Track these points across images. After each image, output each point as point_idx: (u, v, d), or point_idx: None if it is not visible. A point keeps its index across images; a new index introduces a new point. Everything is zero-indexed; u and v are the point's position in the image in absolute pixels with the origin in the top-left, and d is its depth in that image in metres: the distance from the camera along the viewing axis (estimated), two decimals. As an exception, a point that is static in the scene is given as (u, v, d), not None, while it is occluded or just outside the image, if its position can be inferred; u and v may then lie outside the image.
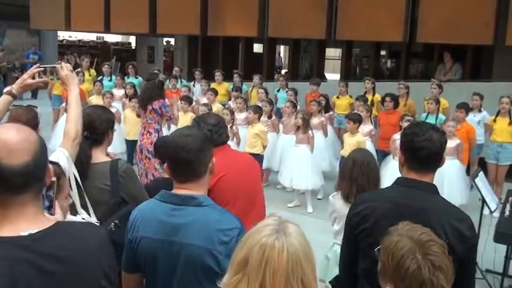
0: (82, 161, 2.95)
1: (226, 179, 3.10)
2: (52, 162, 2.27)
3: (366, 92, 10.07)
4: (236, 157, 3.49)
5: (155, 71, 12.03)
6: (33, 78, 2.90)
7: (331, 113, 9.84)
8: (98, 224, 1.91)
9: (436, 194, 2.44)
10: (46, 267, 1.54)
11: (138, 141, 7.53)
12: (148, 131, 7.36)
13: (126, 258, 2.37)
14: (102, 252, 1.68)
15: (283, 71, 21.97)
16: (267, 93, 10.03)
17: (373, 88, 10.15)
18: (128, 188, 3.13)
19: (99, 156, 3.19)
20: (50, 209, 2.13)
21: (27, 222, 1.59)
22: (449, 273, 1.77)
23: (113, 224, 2.93)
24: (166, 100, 7.94)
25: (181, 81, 11.81)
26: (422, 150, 2.42)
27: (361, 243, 2.47)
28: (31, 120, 3.75)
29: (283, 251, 1.58)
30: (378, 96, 9.98)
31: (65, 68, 2.89)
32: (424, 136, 2.44)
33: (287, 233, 1.62)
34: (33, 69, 2.90)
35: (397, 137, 7.76)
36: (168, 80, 11.73)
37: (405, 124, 7.30)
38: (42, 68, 2.92)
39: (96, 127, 3.21)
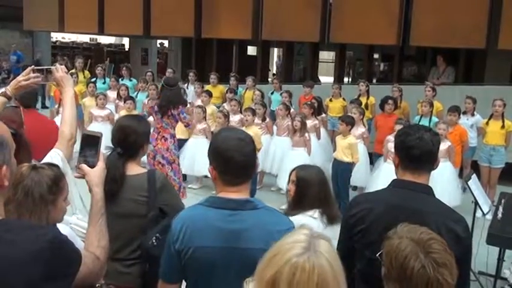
0: (116, 180, 2.87)
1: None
2: (52, 165, 2.30)
3: (360, 95, 10.10)
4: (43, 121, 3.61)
5: (148, 73, 12.07)
6: (27, 79, 2.91)
7: (323, 115, 9.86)
8: (52, 228, 1.89)
9: (431, 196, 2.46)
10: None
11: (151, 146, 7.10)
12: (163, 136, 7.14)
13: (169, 268, 2.30)
14: (33, 261, 1.63)
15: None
16: (262, 96, 10.06)
17: (367, 91, 10.18)
18: (167, 199, 3.03)
19: (134, 168, 3.06)
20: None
21: None
22: (453, 268, 1.80)
23: (154, 238, 2.84)
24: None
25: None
26: (414, 149, 2.45)
27: (357, 244, 2.49)
28: (18, 121, 3.76)
29: (313, 274, 1.51)
30: (372, 99, 10.02)
31: (59, 70, 2.91)
32: (416, 135, 2.48)
33: (318, 251, 1.56)
34: (28, 71, 2.91)
35: (391, 138, 7.79)
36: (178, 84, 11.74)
37: (398, 127, 7.34)
38: (38, 70, 2.92)
39: (131, 142, 3.04)
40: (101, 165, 2.33)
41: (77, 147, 2.53)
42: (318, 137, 9.04)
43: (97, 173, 2.30)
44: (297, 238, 1.59)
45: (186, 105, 7.40)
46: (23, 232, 1.72)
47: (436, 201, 2.48)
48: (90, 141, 2.33)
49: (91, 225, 2.24)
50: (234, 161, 2.21)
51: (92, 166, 2.30)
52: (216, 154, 2.27)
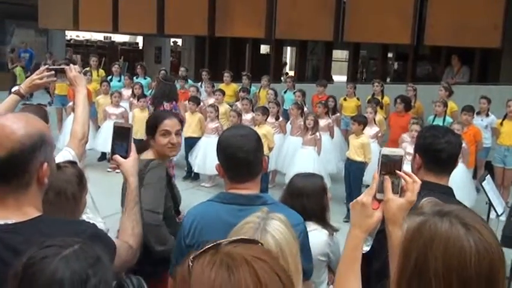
0: None
1: None
2: (71, 162, 2.34)
3: (374, 94, 10.04)
4: None
5: (162, 71, 12.10)
6: (41, 79, 2.93)
7: (337, 114, 9.83)
8: (89, 224, 1.94)
9: (451, 197, 2.46)
10: (6, 260, 1.56)
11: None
12: None
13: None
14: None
15: (290, 72, 21.96)
16: (276, 94, 10.05)
17: (382, 91, 10.12)
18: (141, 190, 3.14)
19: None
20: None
21: (8, 212, 1.66)
22: None
23: None
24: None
25: (186, 82, 11.83)
26: (443, 153, 2.49)
27: (376, 244, 2.49)
28: (42, 119, 3.77)
29: None
30: (387, 99, 9.96)
31: (73, 69, 2.92)
32: (444, 138, 2.52)
33: (265, 230, 1.65)
34: (42, 70, 2.93)
35: (406, 137, 7.74)
36: (175, 81, 11.77)
37: (414, 127, 7.30)
38: (51, 70, 2.94)
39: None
40: (133, 155, 2.37)
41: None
42: (332, 136, 9.01)
43: (131, 163, 2.34)
44: (249, 220, 1.70)
45: (177, 101, 7.57)
46: (64, 228, 1.76)
47: (456, 202, 2.46)
48: (121, 133, 2.37)
49: (126, 213, 2.27)
50: (235, 157, 2.24)
51: (125, 157, 2.33)
52: (220, 151, 2.31)
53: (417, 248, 1.35)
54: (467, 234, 1.32)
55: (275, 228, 1.68)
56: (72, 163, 2.39)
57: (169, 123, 3.24)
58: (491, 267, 1.32)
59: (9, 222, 1.64)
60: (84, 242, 1.44)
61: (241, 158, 2.24)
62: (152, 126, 3.27)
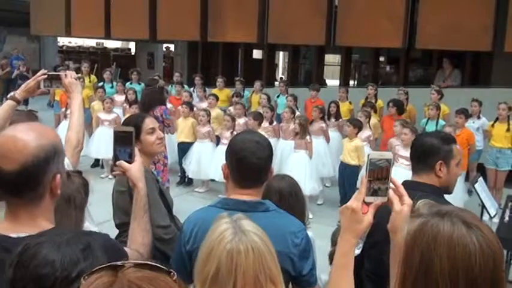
0: None
1: None
2: (77, 171, 2.35)
3: (367, 98, 10.08)
4: None
5: (155, 77, 12.08)
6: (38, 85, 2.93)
7: (341, 120, 9.70)
8: (100, 234, 1.94)
9: (440, 197, 2.48)
10: None
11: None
12: None
13: (179, 271, 2.31)
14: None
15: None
16: (268, 99, 10.06)
17: (375, 94, 10.16)
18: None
19: None
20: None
21: (20, 225, 1.65)
22: None
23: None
24: (169, 105, 7.89)
25: (183, 87, 11.83)
26: (413, 147, 2.65)
27: (364, 244, 2.50)
28: None
29: (248, 252, 1.61)
30: (380, 102, 10.00)
31: (68, 76, 2.91)
32: (425, 137, 2.63)
33: (245, 231, 1.65)
34: (39, 76, 2.92)
35: (395, 141, 7.78)
36: (170, 86, 11.75)
37: (398, 128, 7.37)
38: (47, 76, 2.94)
39: None
40: (138, 159, 2.28)
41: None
42: (327, 141, 8.95)
43: (137, 167, 2.25)
44: (222, 228, 1.68)
45: (165, 105, 7.56)
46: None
47: (445, 203, 2.47)
48: (123, 138, 2.25)
49: (135, 222, 2.21)
50: (246, 162, 2.23)
51: (129, 162, 2.23)
52: (231, 153, 2.29)
53: (420, 249, 1.35)
54: (470, 232, 1.32)
55: (252, 226, 1.69)
56: (79, 172, 2.40)
57: (151, 121, 3.26)
58: (495, 264, 1.32)
59: (22, 235, 1.61)
60: (78, 232, 1.46)
61: (254, 164, 2.23)
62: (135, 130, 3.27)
